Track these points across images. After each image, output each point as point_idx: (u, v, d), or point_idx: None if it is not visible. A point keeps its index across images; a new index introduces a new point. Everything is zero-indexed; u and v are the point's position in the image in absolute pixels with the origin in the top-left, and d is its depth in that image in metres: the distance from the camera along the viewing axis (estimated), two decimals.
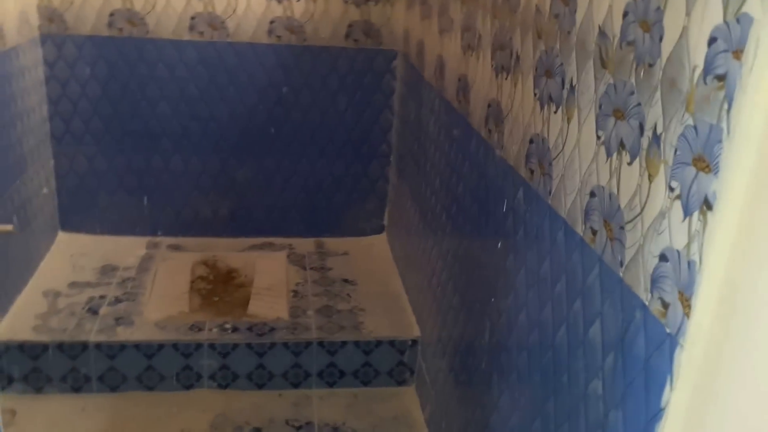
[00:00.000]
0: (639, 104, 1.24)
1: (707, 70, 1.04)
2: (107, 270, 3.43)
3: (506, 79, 1.92)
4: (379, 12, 3.50)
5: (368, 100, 3.64)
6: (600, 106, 1.39)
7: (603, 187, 1.37)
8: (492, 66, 2.04)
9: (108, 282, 3.33)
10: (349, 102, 3.63)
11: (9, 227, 2.84)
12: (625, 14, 1.29)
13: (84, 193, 3.63)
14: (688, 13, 1.09)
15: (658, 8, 1.18)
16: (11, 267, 3.02)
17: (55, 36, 3.34)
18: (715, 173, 1.02)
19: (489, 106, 2.06)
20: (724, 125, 1.00)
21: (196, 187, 3.71)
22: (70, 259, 3.53)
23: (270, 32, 3.46)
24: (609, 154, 1.35)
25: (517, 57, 1.83)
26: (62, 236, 3.68)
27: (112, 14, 3.35)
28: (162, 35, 3.40)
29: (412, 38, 3.22)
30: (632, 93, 1.27)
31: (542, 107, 1.67)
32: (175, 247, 3.69)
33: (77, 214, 3.67)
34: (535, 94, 1.72)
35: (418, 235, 3.05)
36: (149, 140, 3.58)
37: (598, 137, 1.39)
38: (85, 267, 3.46)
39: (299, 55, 3.51)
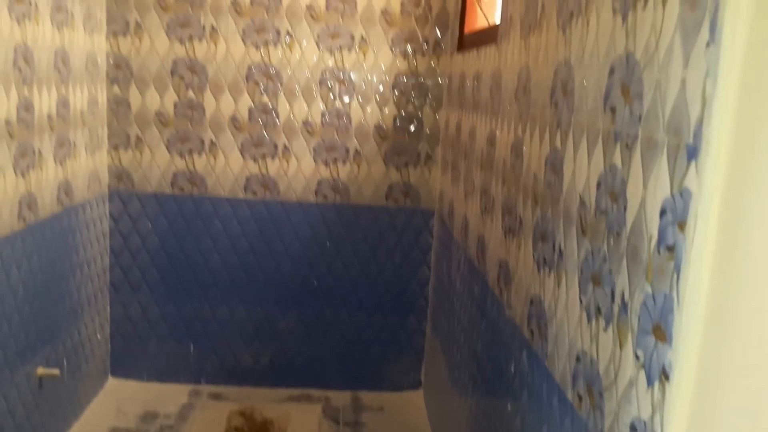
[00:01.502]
0: (610, 271, 1.27)
1: (660, 240, 1.08)
2: (148, 417, 3.49)
3: (513, 241, 1.99)
4: (417, 175, 3.70)
5: (406, 255, 3.75)
6: (581, 271, 1.42)
7: (586, 352, 1.37)
8: (502, 228, 2.12)
9: (147, 429, 3.38)
10: (388, 257, 3.75)
11: (56, 371, 2.99)
12: (599, 185, 1.36)
13: (136, 341, 3.79)
14: (645, 185, 1.15)
15: (623, 180, 1.24)
16: (58, 410, 3.12)
17: (122, 193, 3.67)
18: (670, 343, 1.03)
19: (500, 266, 2.12)
20: (674, 295, 1.02)
21: (240, 336, 3.82)
22: (116, 404, 3.63)
23: (317, 192, 3.69)
24: (589, 320, 1.36)
25: (521, 221, 1.91)
26: (112, 382, 3.81)
27: (175, 174, 3.67)
28: (219, 194, 3.69)
29: (445, 199, 3.36)
30: (605, 260, 1.30)
31: (539, 270, 1.71)
32: (216, 396, 3.74)
33: (128, 360, 3.81)
34: (533, 257, 1.77)
35: (447, 393, 3.00)
36: (200, 290, 3.76)
37: (581, 301, 1.41)
38: (128, 413, 3.54)
39: (343, 213, 3.70)
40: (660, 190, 1.09)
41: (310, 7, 3.50)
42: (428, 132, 3.66)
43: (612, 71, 1.31)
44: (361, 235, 3.73)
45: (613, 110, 1.30)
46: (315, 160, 3.67)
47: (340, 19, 3.52)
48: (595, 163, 1.38)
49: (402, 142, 3.67)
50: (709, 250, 0.95)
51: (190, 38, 3.52)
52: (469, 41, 3.02)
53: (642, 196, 1.15)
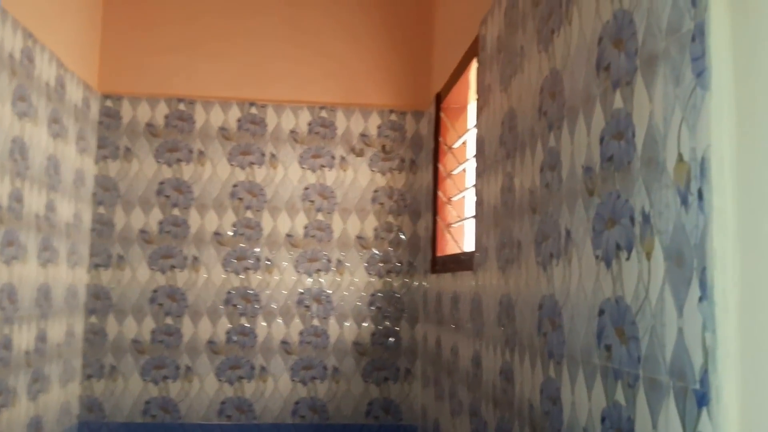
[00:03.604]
0: None
1: None
2: None
3: None
4: (398, 390, 3.67)
5: None
6: None
7: None
8: None
9: None
10: None
11: None
12: (603, 419, 1.40)
13: None
14: (655, 426, 1.20)
15: (629, 418, 1.29)
16: None
17: (92, 423, 3.51)
18: None
19: None
20: None
21: None
22: None
23: (294, 413, 3.61)
24: None
25: None
26: None
27: (148, 402, 3.56)
28: (192, 420, 3.56)
29: (429, 416, 3.32)
30: None
31: None
32: None
33: None
34: None
35: None
36: None
37: None
38: None
39: None
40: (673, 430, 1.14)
41: (289, 236, 3.69)
42: (406, 347, 3.71)
43: (602, 311, 1.42)
44: None
45: (608, 348, 1.38)
46: (292, 379, 3.63)
47: (318, 245, 3.70)
48: (596, 397, 1.43)
49: (380, 358, 3.69)
50: None
51: (172, 268, 3.62)
52: (443, 264, 3.19)
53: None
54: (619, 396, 1.33)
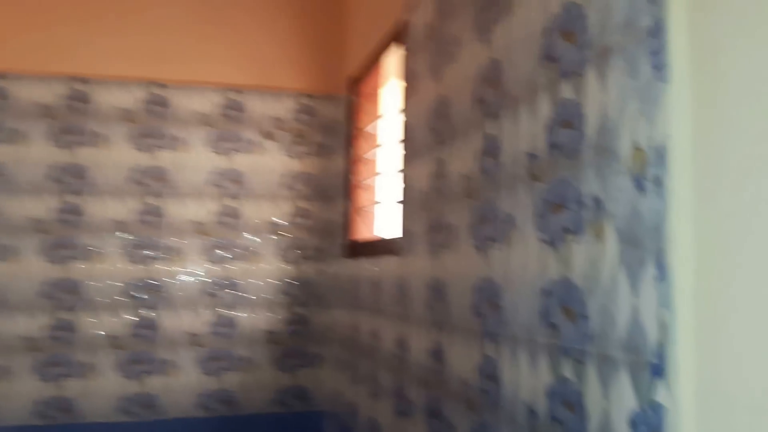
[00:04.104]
0: None
1: None
2: None
3: None
4: (309, 376, 3.65)
5: None
6: None
7: None
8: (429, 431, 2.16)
9: None
10: None
11: None
12: (550, 395, 1.47)
13: None
14: (607, 398, 1.27)
15: (578, 392, 1.36)
16: None
17: None
18: None
19: None
20: None
21: None
22: None
23: (202, 406, 3.50)
24: None
25: (451, 425, 1.96)
26: None
27: (42, 402, 3.32)
28: (93, 419, 3.36)
29: (342, 401, 3.34)
30: None
31: None
32: None
33: None
34: None
35: None
36: None
37: None
38: None
39: (230, 425, 3.51)
40: (626, 402, 1.21)
41: (197, 223, 3.54)
42: (319, 333, 3.69)
43: (549, 292, 1.48)
44: None
45: (555, 326, 1.45)
46: (201, 371, 3.51)
47: (228, 232, 3.59)
48: (541, 374, 1.50)
49: (292, 345, 3.65)
50: None
51: (67, 259, 3.39)
52: (360, 249, 3.20)
53: (604, 407, 1.27)
54: (568, 372, 1.40)
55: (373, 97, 3.38)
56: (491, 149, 1.79)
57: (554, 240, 1.47)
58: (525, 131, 1.62)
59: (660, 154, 1.14)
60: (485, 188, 1.82)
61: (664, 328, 1.12)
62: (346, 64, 3.68)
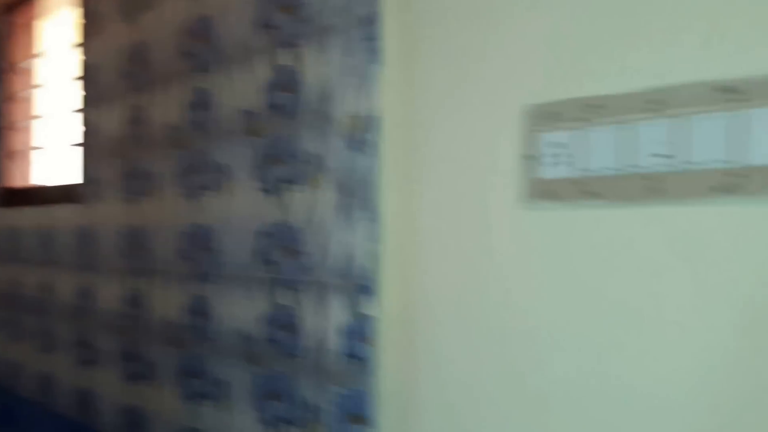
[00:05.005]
0: (291, 386, 1.63)
1: (349, 354, 1.50)
2: None
3: (145, 386, 2.11)
4: None
5: None
6: (255, 393, 1.73)
7: None
8: (124, 376, 2.20)
9: None
10: None
11: None
12: (268, 321, 1.71)
13: None
14: (325, 317, 1.56)
15: (295, 315, 1.63)
16: None
17: None
18: (372, 426, 1.45)
19: (125, 413, 2.19)
20: (370, 390, 1.46)
21: None
22: None
23: None
24: (275, 430, 1.68)
25: (154, 365, 2.07)
26: None
27: None
28: None
29: None
30: (284, 379, 1.65)
31: (193, 404, 1.92)
32: None
33: None
34: (181, 395, 1.96)
35: None
36: None
37: (262, 419, 1.72)
38: None
39: None
40: (339, 318, 1.51)
41: None
42: None
43: (268, 234, 1.70)
44: None
45: (274, 263, 1.69)
46: None
47: None
48: (259, 304, 1.72)
49: None
50: (393, 355, 1.43)
51: None
52: (19, 198, 2.93)
53: (320, 324, 1.56)
54: (285, 300, 1.65)
55: (29, 28, 3.06)
56: (202, 102, 1.90)
57: (273, 189, 1.69)
58: (241, 89, 1.78)
59: (372, 122, 1.44)
60: (196, 139, 1.93)
61: (373, 257, 1.44)
62: None
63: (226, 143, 1.83)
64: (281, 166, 1.66)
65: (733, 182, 0.98)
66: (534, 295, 1.20)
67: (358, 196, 1.47)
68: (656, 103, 1.05)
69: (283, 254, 1.66)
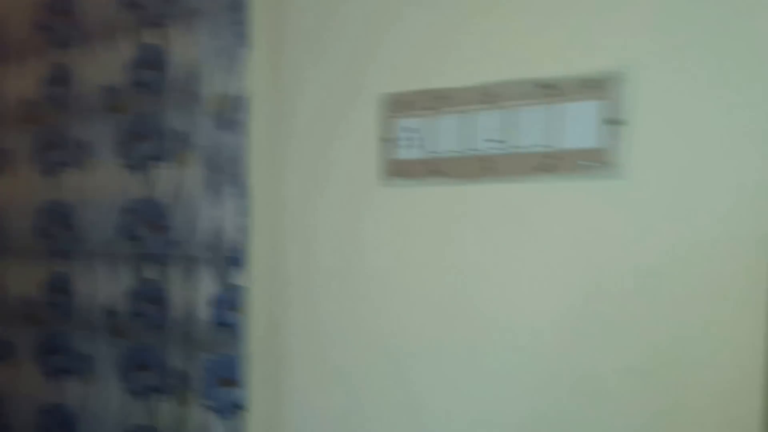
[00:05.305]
0: (159, 356, 1.69)
1: (218, 322, 1.59)
2: None
3: (4, 367, 2.05)
4: None
5: None
6: (122, 365, 1.77)
7: (143, 427, 1.73)
8: None
9: None
10: None
11: None
12: (133, 295, 1.74)
13: None
14: (195, 288, 1.63)
15: (162, 288, 1.68)
16: None
17: None
18: (241, 387, 1.55)
19: None
20: (239, 355, 1.56)
21: None
22: None
23: None
24: (145, 399, 1.73)
25: (11, 345, 2.02)
26: None
27: None
28: None
29: None
30: (151, 350, 1.71)
31: (56, 380, 1.91)
32: None
33: None
34: (43, 372, 1.94)
35: None
36: None
37: (129, 390, 1.76)
38: None
39: None
40: (208, 289, 1.59)
41: None
42: None
43: (132, 210, 1.73)
44: None
45: (138, 238, 1.72)
46: None
47: None
48: (123, 279, 1.75)
49: None
50: (262, 321, 1.54)
51: None
52: None
53: (188, 296, 1.63)
54: (152, 274, 1.70)
55: None
56: (61, 78, 1.87)
57: (138, 166, 1.72)
58: (104, 66, 1.78)
59: (240, 102, 1.52)
60: (54, 115, 1.89)
61: (241, 230, 1.53)
62: None
63: (87, 120, 1.82)
64: (146, 143, 1.70)
65: (550, 163, 1.19)
66: (389, 259, 1.37)
67: (226, 173, 1.55)
68: (491, 96, 1.24)
69: (149, 230, 1.70)
